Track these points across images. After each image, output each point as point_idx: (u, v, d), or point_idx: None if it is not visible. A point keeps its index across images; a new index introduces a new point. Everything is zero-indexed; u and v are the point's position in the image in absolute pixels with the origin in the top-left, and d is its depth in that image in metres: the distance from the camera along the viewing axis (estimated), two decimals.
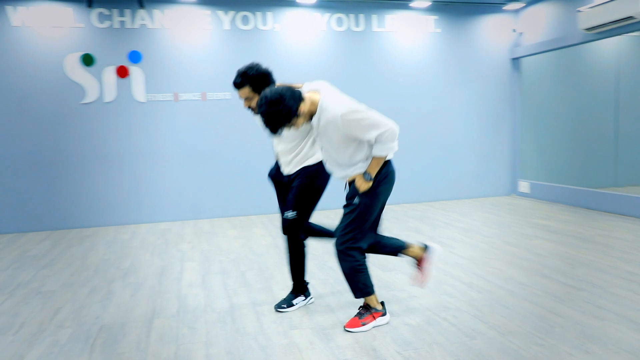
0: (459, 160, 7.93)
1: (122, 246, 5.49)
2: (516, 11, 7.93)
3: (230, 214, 6.95)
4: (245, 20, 6.97)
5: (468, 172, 8.01)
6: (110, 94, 6.61)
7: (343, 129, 2.78)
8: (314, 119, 2.88)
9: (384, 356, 2.67)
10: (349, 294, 3.39)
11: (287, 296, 3.49)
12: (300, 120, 2.83)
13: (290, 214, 3.27)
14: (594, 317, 3.07)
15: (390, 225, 5.94)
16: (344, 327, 3.03)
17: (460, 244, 5.05)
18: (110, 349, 2.87)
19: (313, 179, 3.26)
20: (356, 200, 2.95)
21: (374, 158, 2.89)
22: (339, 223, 3.04)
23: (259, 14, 7.01)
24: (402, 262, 4.32)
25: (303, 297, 3.49)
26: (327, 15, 7.25)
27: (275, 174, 3.48)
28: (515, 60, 8.03)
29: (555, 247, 4.80)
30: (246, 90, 3.12)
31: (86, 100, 6.55)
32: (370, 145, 2.89)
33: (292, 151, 3.26)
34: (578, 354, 2.60)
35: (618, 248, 4.66)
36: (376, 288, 3.33)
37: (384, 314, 3.11)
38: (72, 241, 5.81)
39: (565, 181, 7.32)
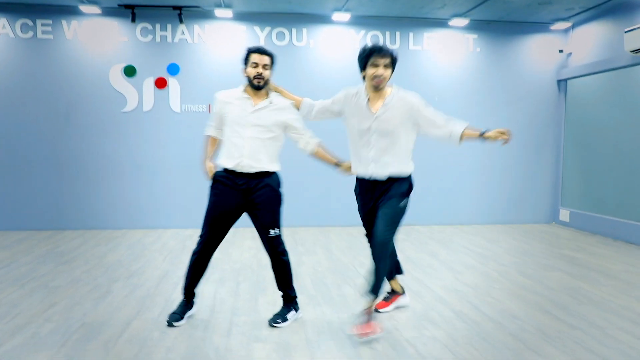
0: (496, 184, 7.62)
1: (142, 249, 5.72)
2: (564, 31, 7.56)
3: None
4: (280, 36, 7.13)
5: (505, 197, 7.67)
6: (148, 104, 6.97)
7: (414, 109, 3.21)
8: (388, 97, 3.22)
9: None
10: (323, 309, 3.34)
11: (281, 310, 3.47)
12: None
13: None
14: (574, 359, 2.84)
15: (406, 245, 5.80)
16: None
17: (470, 270, 4.84)
18: (79, 346, 3.00)
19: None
20: (401, 202, 3.20)
21: (466, 128, 3.17)
22: (382, 220, 3.14)
23: (294, 30, 7.15)
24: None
25: (294, 311, 3.48)
26: (362, 32, 7.26)
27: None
28: (562, 82, 7.64)
29: (572, 281, 4.49)
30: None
31: (126, 109, 6.93)
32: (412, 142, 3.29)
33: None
34: None
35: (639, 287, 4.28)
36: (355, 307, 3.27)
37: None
38: (100, 241, 6.13)
39: (608, 211, 6.83)
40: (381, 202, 3.22)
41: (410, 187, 3.31)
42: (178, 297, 3.94)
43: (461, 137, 3.18)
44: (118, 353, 2.90)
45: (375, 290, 3.12)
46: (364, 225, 3.48)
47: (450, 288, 4.24)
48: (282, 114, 3.39)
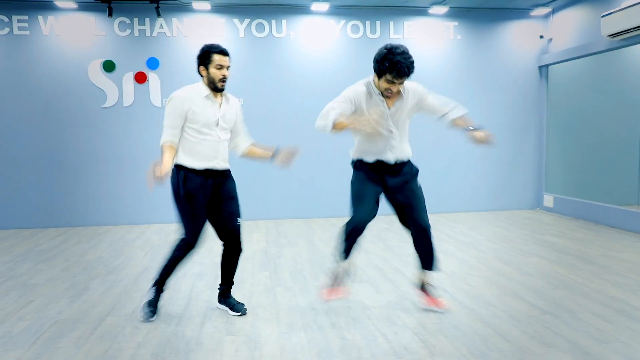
0: (479, 171, 7.63)
1: (124, 245, 5.72)
2: (544, 17, 7.56)
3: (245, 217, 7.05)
4: (260, 27, 7.09)
5: (489, 184, 7.70)
6: (129, 99, 6.92)
7: (422, 98, 3.32)
8: (404, 94, 3.26)
9: None
10: (298, 300, 3.35)
11: (234, 299, 3.54)
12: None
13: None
14: (541, 344, 2.87)
15: (389, 235, 5.82)
16: (441, 308, 3.40)
17: (449, 258, 4.87)
18: (50, 344, 3.00)
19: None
20: (419, 183, 3.40)
21: (459, 118, 3.37)
22: (419, 204, 3.34)
23: (273, 22, 7.10)
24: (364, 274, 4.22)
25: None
26: (342, 22, 7.22)
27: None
28: (543, 68, 7.64)
29: (548, 266, 4.52)
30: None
31: (107, 105, 6.89)
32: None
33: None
34: None
35: (617, 271, 4.32)
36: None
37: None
38: (82, 238, 6.12)
39: (591, 196, 6.87)
40: (401, 189, 3.35)
41: (416, 167, 3.47)
42: None
43: (453, 123, 3.38)
44: (88, 350, 2.90)
45: (436, 265, 3.48)
46: (364, 201, 3.31)
47: None
48: (236, 113, 3.41)
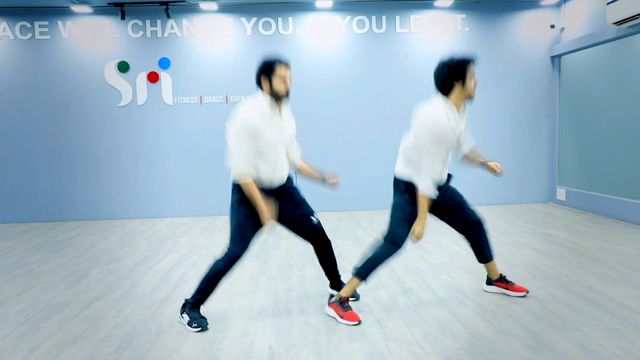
0: None
1: (132, 237, 6.00)
2: (556, 5, 7.40)
3: None
4: (266, 25, 7.25)
5: (500, 178, 7.61)
6: (142, 98, 7.23)
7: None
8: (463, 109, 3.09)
9: (260, 349, 2.76)
10: (277, 289, 3.48)
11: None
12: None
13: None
14: (497, 331, 2.90)
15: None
16: (525, 291, 3.45)
17: (440, 250, 4.89)
18: (37, 324, 3.25)
19: None
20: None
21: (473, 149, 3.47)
22: (465, 200, 3.42)
23: (280, 19, 7.25)
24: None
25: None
26: (347, 17, 7.30)
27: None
28: (555, 58, 7.49)
29: (537, 258, 4.49)
30: None
31: (122, 104, 7.22)
32: None
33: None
34: None
35: (606, 263, 4.25)
36: (312, 287, 3.39)
37: None
38: (97, 230, 6.45)
39: (603, 189, 6.70)
40: (455, 197, 3.39)
41: None
42: (146, 280, 4.16)
43: (465, 157, 3.48)
44: (69, 330, 3.13)
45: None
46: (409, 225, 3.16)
47: (411, 267, 4.31)
48: (292, 123, 3.28)
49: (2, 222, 7.21)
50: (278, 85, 3.02)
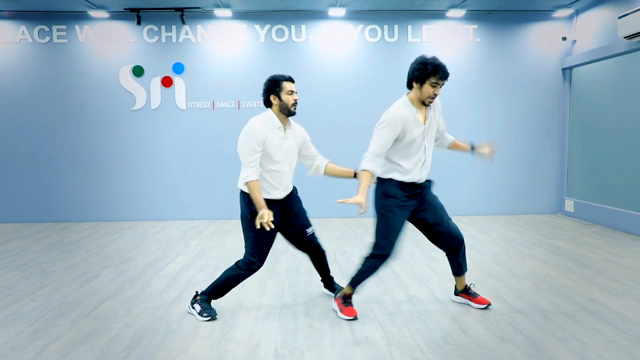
0: (501, 175, 7.58)
1: (143, 239, 6.11)
2: (568, 18, 7.43)
3: None
4: (280, 33, 7.36)
5: (510, 188, 7.63)
6: (155, 102, 7.36)
7: (441, 114, 3.44)
8: (429, 110, 3.31)
9: (265, 351, 2.84)
10: (284, 293, 3.55)
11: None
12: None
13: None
14: (498, 339, 2.95)
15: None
16: (487, 303, 3.48)
17: (446, 258, 4.92)
18: (50, 322, 3.35)
19: None
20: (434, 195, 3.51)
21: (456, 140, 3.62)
22: (451, 222, 3.45)
23: (293, 27, 7.36)
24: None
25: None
26: (360, 26, 7.39)
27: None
28: (567, 70, 7.51)
29: (542, 269, 4.52)
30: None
31: (135, 107, 7.36)
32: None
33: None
34: None
35: (610, 275, 4.26)
36: (310, 288, 3.46)
37: None
38: (109, 232, 6.57)
39: (611, 202, 6.70)
40: (431, 204, 3.40)
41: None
42: (155, 281, 4.26)
43: (453, 143, 3.66)
44: (80, 328, 3.22)
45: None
46: (397, 233, 3.30)
47: (417, 274, 4.36)
48: (301, 135, 3.48)
49: (17, 221, 7.37)
50: (287, 99, 3.28)
